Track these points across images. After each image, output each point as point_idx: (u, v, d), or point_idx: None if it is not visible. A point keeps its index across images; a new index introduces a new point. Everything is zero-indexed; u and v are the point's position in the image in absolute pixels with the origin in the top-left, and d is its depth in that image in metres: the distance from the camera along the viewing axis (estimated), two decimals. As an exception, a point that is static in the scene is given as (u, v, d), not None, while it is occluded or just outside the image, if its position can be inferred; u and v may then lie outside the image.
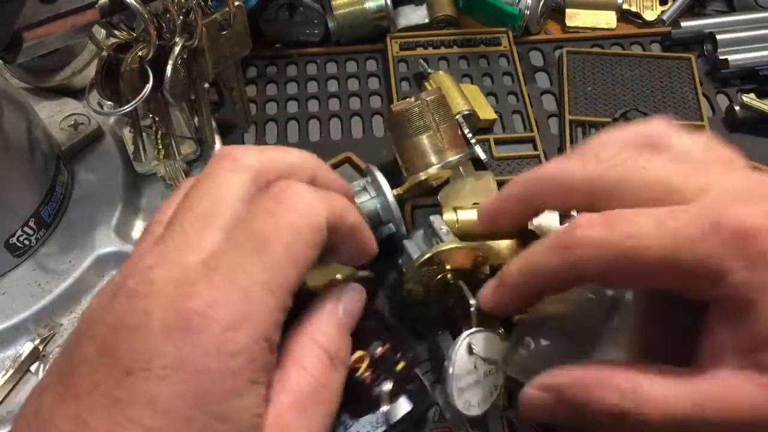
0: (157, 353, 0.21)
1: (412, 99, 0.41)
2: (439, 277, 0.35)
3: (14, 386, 0.36)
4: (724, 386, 0.25)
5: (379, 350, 0.32)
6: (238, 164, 0.26)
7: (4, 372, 0.36)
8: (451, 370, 0.32)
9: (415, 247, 0.37)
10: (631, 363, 0.27)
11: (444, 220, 0.40)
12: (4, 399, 0.36)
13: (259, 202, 0.24)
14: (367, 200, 0.39)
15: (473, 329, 0.33)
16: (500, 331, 0.34)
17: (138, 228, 0.43)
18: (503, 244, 0.38)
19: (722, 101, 0.51)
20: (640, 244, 0.25)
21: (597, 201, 0.28)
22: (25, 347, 0.37)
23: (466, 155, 0.41)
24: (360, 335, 0.33)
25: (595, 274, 0.27)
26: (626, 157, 0.28)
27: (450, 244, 0.35)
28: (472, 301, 0.33)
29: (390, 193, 0.38)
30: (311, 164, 0.29)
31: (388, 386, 0.31)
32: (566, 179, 0.30)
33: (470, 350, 0.32)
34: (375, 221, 0.39)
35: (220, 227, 0.24)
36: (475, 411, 0.33)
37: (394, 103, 0.43)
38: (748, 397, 0.24)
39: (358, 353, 0.32)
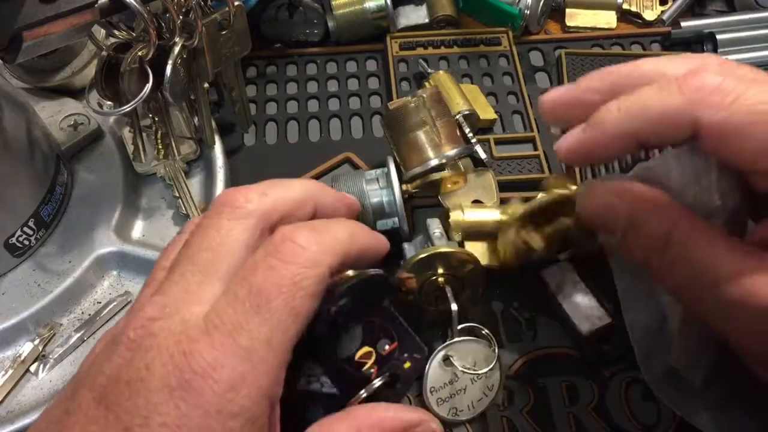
0: (156, 411, 0.20)
1: (409, 97, 0.41)
2: (430, 280, 0.35)
3: (14, 386, 0.36)
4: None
5: (387, 348, 0.32)
6: (240, 211, 0.25)
7: (3, 372, 0.36)
8: (425, 384, 0.32)
9: (412, 251, 0.38)
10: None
11: (452, 221, 0.40)
12: (3, 399, 0.36)
13: (260, 255, 0.24)
14: (376, 190, 0.39)
15: (449, 341, 0.33)
16: (484, 332, 0.34)
17: (138, 228, 0.43)
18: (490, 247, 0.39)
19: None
20: None
21: None
22: (25, 347, 0.37)
23: (463, 150, 0.41)
24: (369, 332, 0.33)
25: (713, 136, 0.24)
26: None
27: (440, 247, 0.35)
28: (453, 307, 0.34)
29: (398, 190, 0.38)
30: (313, 195, 0.28)
31: (383, 380, 0.31)
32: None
33: (447, 362, 0.33)
34: (380, 212, 0.39)
35: (221, 278, 0.24)
36: (466, 415, 0.33)
37: (391, 102, 0.43)
38: None
39: (366, 349, 0.32)
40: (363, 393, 0.31)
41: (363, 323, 0.33)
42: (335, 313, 0.35)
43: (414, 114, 0.40)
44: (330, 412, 0.28)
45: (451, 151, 0.40)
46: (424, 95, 0.41)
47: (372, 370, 0.31)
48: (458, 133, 0.42)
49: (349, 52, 0.55)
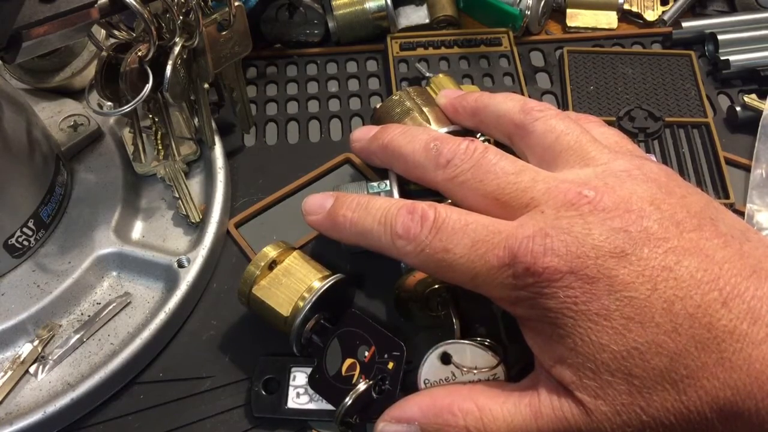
0: None
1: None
2: (433, 287, 0.35)
3: (13, 387, 0.36)
4: (536, 403, 0.28)
5: (366, 354, 0.32)
6: None
7: (2, 373, 0.36)
8: (420, 375, 0.32)
9: None
10: (473, 385, 0.31)
11: None
12: (2, 400, 0.36)
13: None
14: None
15: (452, 340, 0.33)
16: (486, 343, 0.34)
17: (137, 229, 0.43)
18: None
19: (723, 102, 0.51)
20: (452, 261, 0.28)
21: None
22: (24, 348, 0.37)
23: (453, 129, 0.41)
24: (346, 343, 0.33)
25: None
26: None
27: None
28: (455, 320, 0.34)
29: None
30: None
31: (387, 386, 0.31)
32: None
33: (446, 359, 0.32)
34: None
35: None
36: None
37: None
38: (552, 416, 0.27)
39: (348, 361, 0.32)
40: (348, 400, 0.31)
41: (337, 335, 0.33)
42: (313, 331, 0.35)
43: (399, 105, 0.41)
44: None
45: (442, 129, 0.40)
46: (408, 89, 0.41)
47: (361, 380, 0.31)
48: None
49: (350, 53, 0.55)
